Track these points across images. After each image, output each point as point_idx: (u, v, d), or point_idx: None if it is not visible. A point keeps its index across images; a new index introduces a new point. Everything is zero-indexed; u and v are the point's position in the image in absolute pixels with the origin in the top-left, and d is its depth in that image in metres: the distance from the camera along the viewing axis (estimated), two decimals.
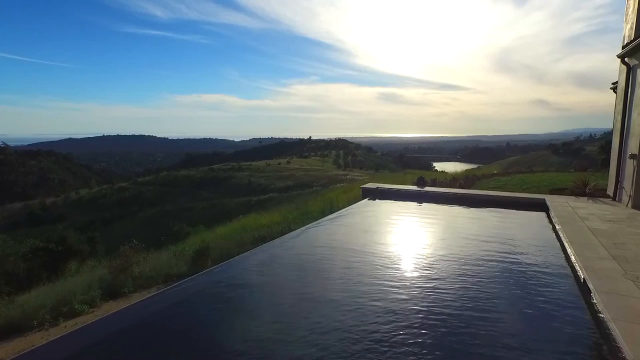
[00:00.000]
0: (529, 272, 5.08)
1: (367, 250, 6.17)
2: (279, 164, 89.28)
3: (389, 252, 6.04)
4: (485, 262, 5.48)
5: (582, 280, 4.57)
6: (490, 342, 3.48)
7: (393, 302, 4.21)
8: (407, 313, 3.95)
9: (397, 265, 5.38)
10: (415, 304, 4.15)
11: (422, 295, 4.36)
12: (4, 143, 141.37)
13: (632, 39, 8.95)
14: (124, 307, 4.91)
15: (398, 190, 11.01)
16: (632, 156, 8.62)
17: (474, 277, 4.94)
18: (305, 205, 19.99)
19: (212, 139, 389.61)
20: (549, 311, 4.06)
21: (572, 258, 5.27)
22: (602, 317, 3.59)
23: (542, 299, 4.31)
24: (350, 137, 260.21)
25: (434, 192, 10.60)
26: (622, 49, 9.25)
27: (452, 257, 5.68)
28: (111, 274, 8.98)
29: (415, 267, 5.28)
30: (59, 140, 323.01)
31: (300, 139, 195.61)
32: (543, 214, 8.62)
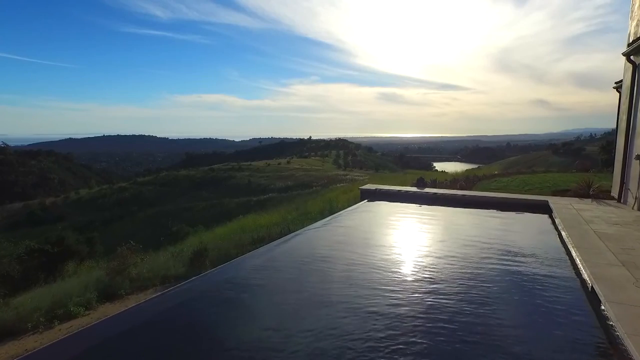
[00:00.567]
0: (533, 278, 4.89)
1: (366, 253, 6.00)
2: (279, 164, 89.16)
3: (388, 256, 5.86)
4: (487, 267, 5.30)
5: (589, 288, 4.37)
6: (492, 351, 3.35)
7: (391, 307, 4.06)
8: (405, 320, 3.79)
9: (396, 270, 5.22)
10: (415, 311, 3.99)
11: (421, 302, 4.21)
12: (4, 143, 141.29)
13: (638, 36, 8.81)
14: (124, 310, 4.78)
15: (398, 191, 10.83)
16: (638, 157, 8.47)
17: (476, 282, 4.77)
18: (305, 206, 19.86)
19: (212, 139, 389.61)
20: (555, 320, 3.88)
21: (579, 264, 5.06)
22: (614, 330, 3.39)
23: (548, 306, 4.14)
24: (350, 137, 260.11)
25: (434, 194, 10.44)
26: (628, 46, 9.10)
27: (453, 262, 5.51)
28: (108, 276, 8.85)
29: (414, 272, 5.10)
30: (59, 140, 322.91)
31: (301, 139, 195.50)
32: (546, 217, 8.41)
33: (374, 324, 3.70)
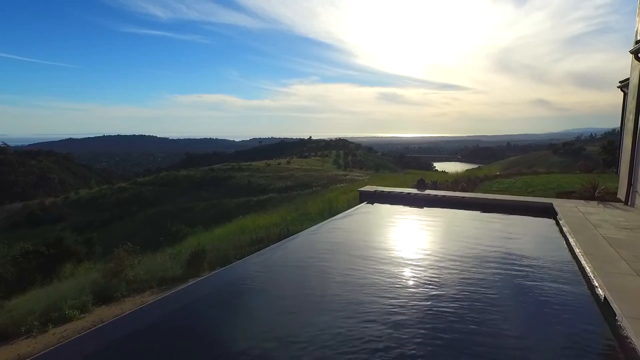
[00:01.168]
0: (539, 287, 4.65)
1: (365, 258, 5.75)
2: (279, 164, 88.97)
3: (388, 261, 5.63)
4: (490, 275, 5.07)
5: (602, 299, 4.13)
6: None
7: (390, 315, 3.88)
8: (405, 331, 3.59)
9: (396, 276, 5.00)
10: (415, 321, 3.79)
11: (421, 311, 4.00)
12: (4, 143, 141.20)
13: None
14: (124, 314, 4.63)
15: (398, 193, 10.58)
16: None
17: (478, 289, 4.56)
18: (305, 206, 19.74)
19: (213, 139, 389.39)
20: (564, 333, 3.65)
21: (589, 272, 4.76)
22: (634, 348, 3.12)
23: (556, 318, 3.90)
24: (350, 137, 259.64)
25: (435, 196, 10.22)
26: (635, 44, 8.88)
27: (454, 267, 5.30)
28: (104, 278, 8.72)
29: (415, 280, 4.88)
30: (59, 140, 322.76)
31: (301, 139, 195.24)
32: (551, 220, 8.08)
33: (373, 334, 3.55)
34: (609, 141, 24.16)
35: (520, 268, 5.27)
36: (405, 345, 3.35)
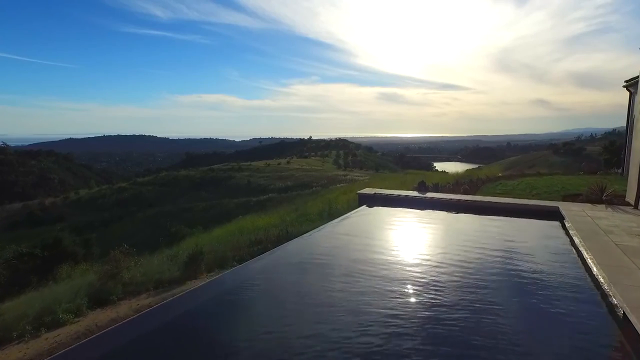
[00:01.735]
0: (549, 301, 4.30)
1: (364, 265, 5.45)
2: (279, 164, 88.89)
3: (387, 268, 5.32)
4: (495, 284, 4.76)
5: (621, 315, 3.80)
6: None
7: (389, 327, 3.62)
8: (405, 344, 3.37)
9: (396, 285, 4.68)
10: (415, 332, 3.55)
11: (422, 323, 3.74)
12: (4, 143, 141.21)
13: None
14: (123, 321, 4.45)
15: (397, 196, 10.33)
16: None
17: (481, 298, 4.27)
18: (304, 207, 19.66)
19: (213, 139, 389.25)
20: (581, 354, 3.36)
21: (604, 285, 4.36)
22: None
23: (571, 337, 3.64)
24: (350, 137, 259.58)
25: (436, 199, 9.88)
26: None
27: (457, 275, 4.96)
28: (99, 280, 8.62)
29: (416, 288, 4.57)
30: (59, 140, 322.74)
31: (301, 139, 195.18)
32: (557, 225, 7.66)
33: (372, 344, 3.38)
34: (610, 141, 24.02)
35: (527, 278, 4.90)
36: (405, 358, 3.20)
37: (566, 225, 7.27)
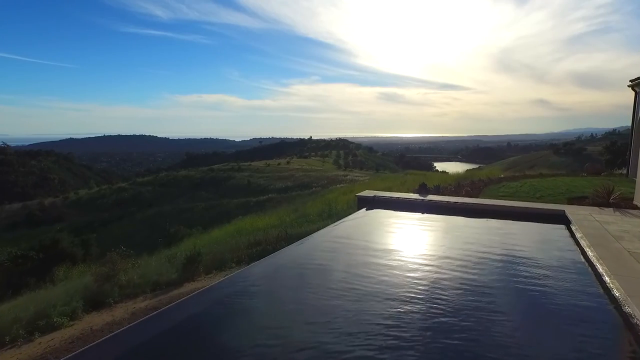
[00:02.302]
0: (560, 315, 4.00)
1: (362, 274, 5.17)
2: (279, 164, 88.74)
3: (387, 276, 5.03)
4: (503, 295, 4.47)
5: None
6: None
7: (388, 338, 3.41)
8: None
9: (395, 295, 4.38)
10: (418, 351, 3.27)
11: (424, 339, 3.46)
12: (4, 143, 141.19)
13: None
14: (123, 328, 4.29)
15: (397, 198, 10.01)
16: None
17: (488, 311, 3.99)
18: (304, 207, 19.55)
19: (213, 139, 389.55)
20: None
21: (620, 298, 4.02)
22: None
23: (584, 349, 3.40)
24: (350, 137, 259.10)
25: (438, 202, 9.60)
26: None
27: (460, 284, 4.67)
28: (96, 283, 8.51)
29: (417, 298, 4.29)
30: (60, 140, 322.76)
31: (301, 138, 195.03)
32: (564, 230, 7.34)
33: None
34: (612, 142, 23.94)
35: (534, 288, 4.60)
36: None
37: (573, 230, 6.96)
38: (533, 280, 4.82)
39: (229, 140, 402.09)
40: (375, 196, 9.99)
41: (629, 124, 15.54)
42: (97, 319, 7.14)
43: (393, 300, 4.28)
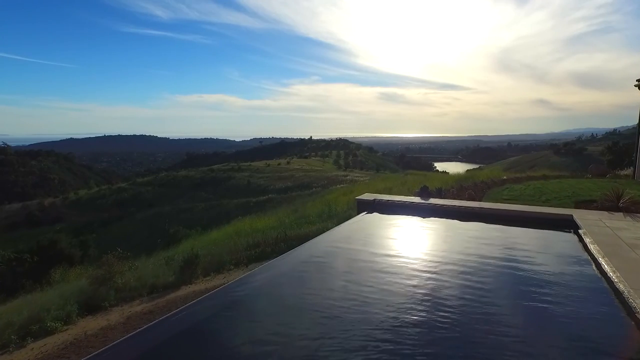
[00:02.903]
0: (574, 333, 3.72)
1: (362, 283, 4.92)
2: (279, 164, 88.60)
3: (388, 286, 4.77)
4: (510, 308, 4.22)
5: None
6: None
7: (386, 352, 3.22)
8: None
9: (396, 307, 4.13)
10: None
11: (427, 354, 3.26)
12: (4, 143, 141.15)
13: None
14: (123, 338, 4.05)
15: (399, 202, 9.78)
16: None
17: (493, 323, 3.77)
18: (304, 208, 19.39)
19: (213, 138, 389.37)
20: None
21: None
22: None
23: None
24: (351, 137, 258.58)
25: (440, 206, 9.34)
26: None
27: (463, 293, 4.45)
28: (91, 286, 8.37)
29: (418, 308, 4.05)
30: (60, 140, 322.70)
31: (301, 139, 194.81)
32: (572, 236, 7.01)
33: None
34: (614, 142, 23.78)
35: (545, 301, 4.30)
36: None
37: (583, 236, 6.61)
38: (544, 293, 4.50)
39: (229, 140, 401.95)
40: (375, 199, 9.75)
41: (630, 124, 15.43)
42: (92, 324, 7.00)
43: (392, 310, 4.07)
